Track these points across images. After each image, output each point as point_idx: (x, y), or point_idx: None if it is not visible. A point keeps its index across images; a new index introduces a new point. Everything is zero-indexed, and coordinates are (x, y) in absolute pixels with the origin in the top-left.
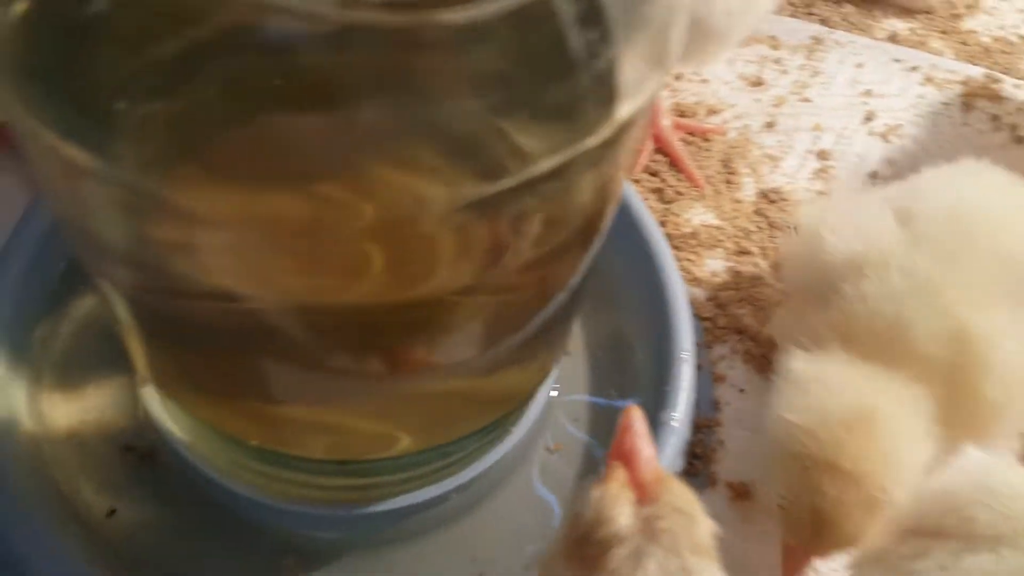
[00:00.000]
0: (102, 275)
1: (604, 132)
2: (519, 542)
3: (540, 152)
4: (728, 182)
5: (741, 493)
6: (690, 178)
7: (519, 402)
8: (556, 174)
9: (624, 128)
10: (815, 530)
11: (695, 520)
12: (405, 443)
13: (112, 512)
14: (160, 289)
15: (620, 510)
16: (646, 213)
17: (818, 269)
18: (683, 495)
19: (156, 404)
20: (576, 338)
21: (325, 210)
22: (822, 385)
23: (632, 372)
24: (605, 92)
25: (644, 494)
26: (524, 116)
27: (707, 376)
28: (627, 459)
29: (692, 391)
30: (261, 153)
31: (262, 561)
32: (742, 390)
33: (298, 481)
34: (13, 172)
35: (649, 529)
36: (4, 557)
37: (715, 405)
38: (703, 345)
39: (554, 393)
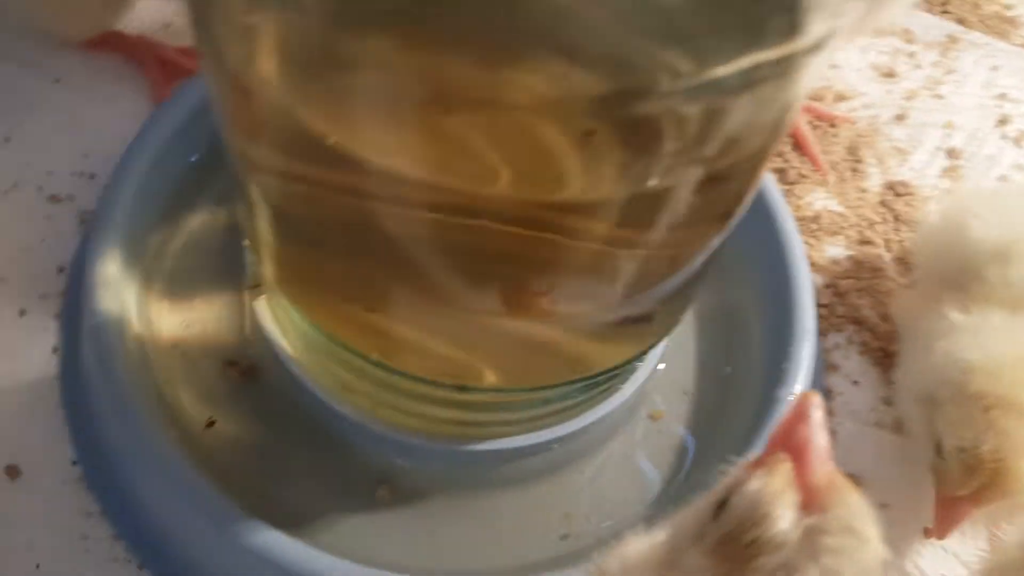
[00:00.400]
0: (250, 163)
1: (787, 48)
2: (612, 506)
3: (717, 58)
4: (854, 170)
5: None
6: (813, 161)
7: (628, 362)
8: (725, 87)
9: (807, 54)
10: (989, 475)
11: (867, 544)
12: (505, 377)
13: (211, 423)
14: (307, 177)
15: (781, 512)
16: (771, 185)
17: (959, 255)
18: (859, 510)
19: (268, 317)
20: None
21: (489, 83)
22: (990, 330)
23: (746, 347)
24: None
25: (812, 499)
26: (715, 14)
27: (820, 363)
28: (797, 453)
29: (811, 370)
30: (443, 23)
31: (356, 488)
32: (856, 382)
33: (405, 408)
34: (133, 79)
35: (810, 543)
36: (102, 451)
37: (826, 394)
38: (818, 331)
39: (662, 366)
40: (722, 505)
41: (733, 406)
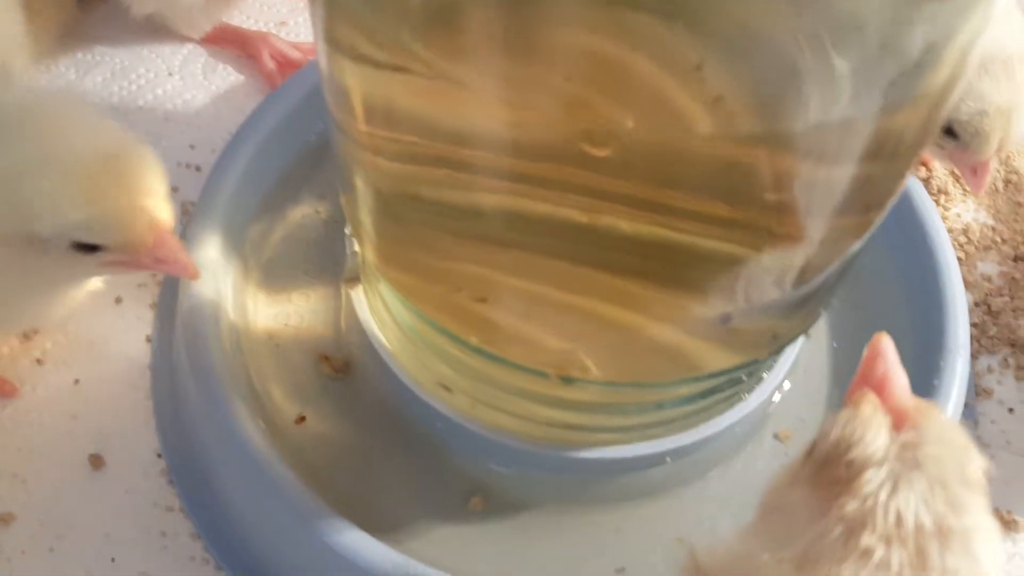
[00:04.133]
0: (362, 141)
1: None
2: (732, 529)
3: None
4: (1008, 182)
5: (1007, 523)
6: (925, 163)
7: (742, 368)
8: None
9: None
10: None
11: (966, 451)
12: (610, 370)
13: (302, 419)
14: (420, 153)
15: (875, 432)
16: (919, 189)
17: None
18: (949, 425)
19: (365, 310)
20: (819, 324)
21: None
22: None
23: None
24: None
25: (901, 419)
26: None
27: (971, 387)
28: (879, 386)
29: (964, 387)
30: None
31: (449, 494)
32: (1011, 409)
33: (504, 407)
34: (243, 75)
35: (909, 455)
36: (188, 443)
37: (975, 422)
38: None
39: (787, 384)
40: (812, 448)
41: None
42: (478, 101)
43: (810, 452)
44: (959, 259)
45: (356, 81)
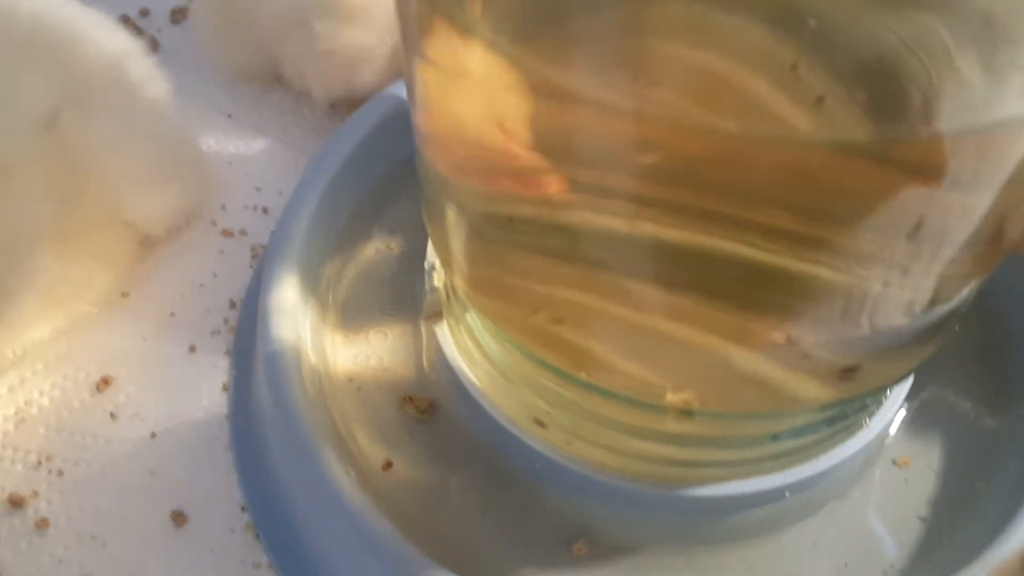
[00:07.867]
0: (453, 163)
1: None
2: (862, 568)
3: None
4: None
5: None
6: None
7: (874, 394)
8: None
9: None
10: None
11: None
12: (718, 403)
13: (388, 465)
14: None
15: None
16: None
17: None
18: None
19: (450, 345)
20: None
21: None
22: None
23: (1015, 381)
24: None
25: None
26: None
27: None
28: None
29: None
30: None
31: (550, 538)
32: None
33: (606, 443)
34: (303, 115)
35: None
36: (274, 494)
37: None
38: None
39: (904, 407)
40: None
41: (1002, 453)
42: (576, 112)
43: None
44: None
45: (453, 99)
